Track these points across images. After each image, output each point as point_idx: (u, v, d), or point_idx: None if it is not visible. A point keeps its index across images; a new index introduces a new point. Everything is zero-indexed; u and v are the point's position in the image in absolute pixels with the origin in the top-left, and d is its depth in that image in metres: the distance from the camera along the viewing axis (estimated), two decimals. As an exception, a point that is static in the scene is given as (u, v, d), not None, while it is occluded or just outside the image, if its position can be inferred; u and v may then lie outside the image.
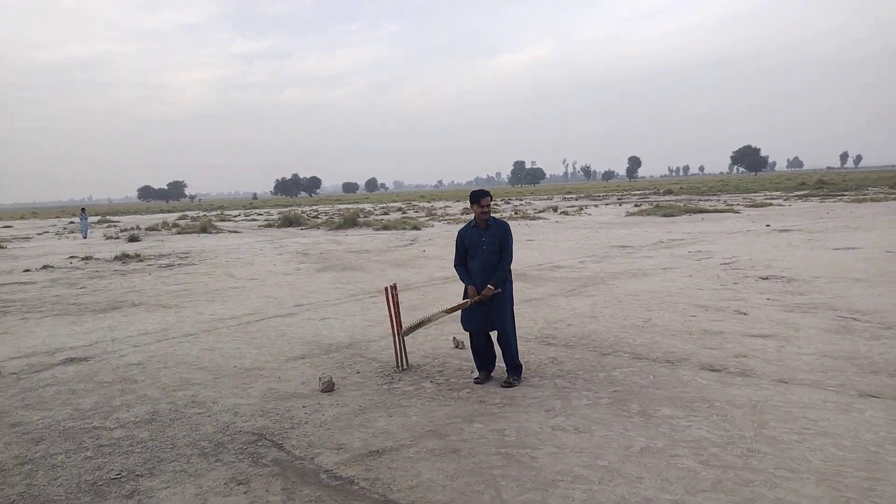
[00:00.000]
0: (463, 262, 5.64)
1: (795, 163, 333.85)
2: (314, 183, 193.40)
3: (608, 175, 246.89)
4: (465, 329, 5.67)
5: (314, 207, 65.80)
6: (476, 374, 5.70)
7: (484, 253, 5.48)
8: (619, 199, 52.41)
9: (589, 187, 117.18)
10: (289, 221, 33.80)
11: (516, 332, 5.73)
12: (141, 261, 17.64)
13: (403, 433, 4.49)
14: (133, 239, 26.77)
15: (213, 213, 55.96)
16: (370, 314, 8.81)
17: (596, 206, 42.11)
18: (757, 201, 35.93)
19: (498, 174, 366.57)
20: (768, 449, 3.88)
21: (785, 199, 37.39)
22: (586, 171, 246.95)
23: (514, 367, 5.56)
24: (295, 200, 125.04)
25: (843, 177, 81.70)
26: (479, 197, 5.51)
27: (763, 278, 10.19)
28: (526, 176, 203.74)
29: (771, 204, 33.07)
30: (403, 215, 37.68)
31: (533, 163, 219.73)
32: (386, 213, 41.78)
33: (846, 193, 40.32)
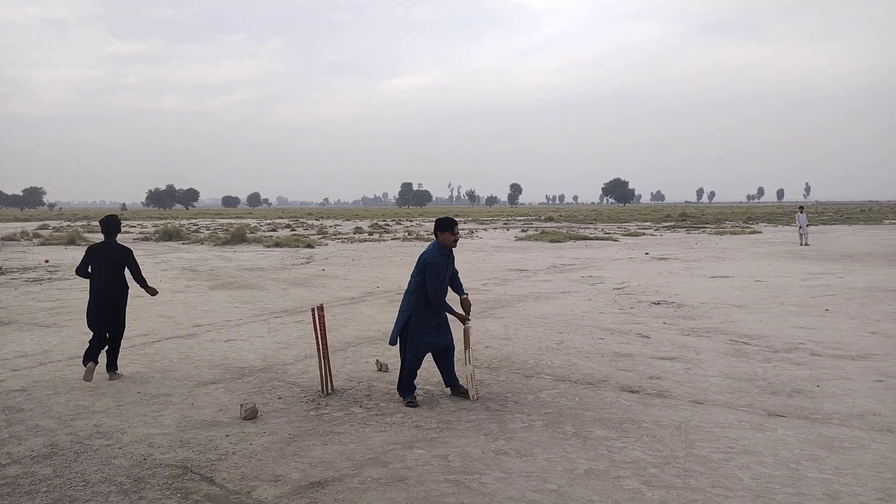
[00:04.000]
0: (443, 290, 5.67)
1: (658, 196, 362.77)
2: (191, 195, 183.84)
3: (491, 200, 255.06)
4: (423, 350, 5.60)
5: (193, 221, 62.32)
6: (412, 398, 5.60)
7: (450, 275, 5.75)
8: (506, 223, 54.19)
9: (475, 211, 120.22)
10: (168, 235, 31.75)
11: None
12: (3, 273, 15.79)
13: (343, 462, 4.30)
14: (-14, 249, 23.96)
15: (79, 223, 51.38)
16: (280, 336, 8.42)
17: (485, 230, 43.23)
18: (631, 230, 38.51)
19: (385, 195, 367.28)
20: (702, 468, 4.10)
21: (655, 230, 40.35)
22: (471, 195, 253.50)
23: (455, 384, 5.75)
24: (170, 213, 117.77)
25: (702, 210, 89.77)
26: (453, 224, 5.64)
27: (655, 303, 10.88)
28: (413, 198, 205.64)
29: (644, 233, 35.56)
30: (293, 233, 36.61)
31: (420, 185, 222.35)
32: (273, 230, 40.41)
33: (707, 226, 44.26)
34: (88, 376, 6.00)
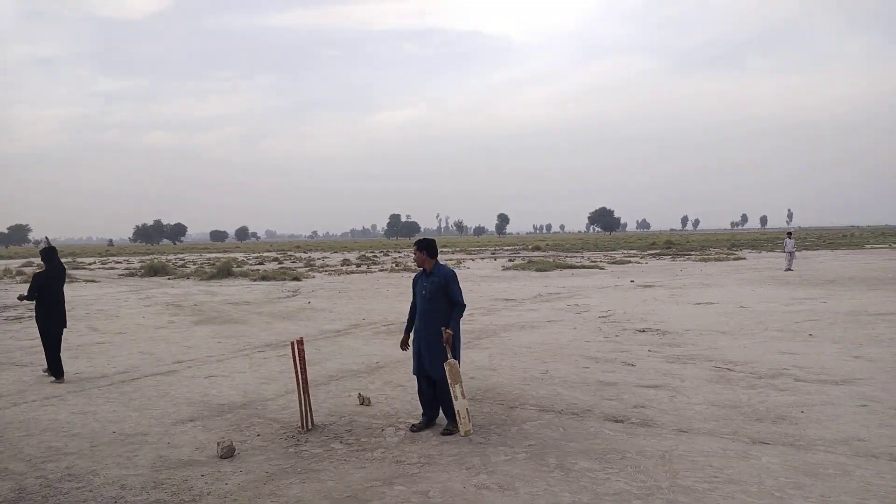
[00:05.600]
0: (414, 307, 5.89)
1: (644, 224, 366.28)
2: (179, 230, 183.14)
3: (479, 230, 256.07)
4: (413, 372, 5.80)
5: (180, 256, 61.91)
6: (416, 422, 5.73)
7: (423, 297, 5.71)
8: (493, 253, 54.28)
9: (463, 241, 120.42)
10: (154, 270, 31.45)
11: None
12: (-19, 312, 15.53)
13: (321, 501, 4.20)
14: (-35, 287, 23.60)
15: (65, 260, 50.89)
16: (262, 370, 8.30)
17: (473, 259, 43.26)
18: (617, 258, 38.66)
19: (374, 226, 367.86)
20: (686, 499, 4.04)
21: (641, 258, 40.57)
22: (459, 226, 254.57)
23: (453, 418, 5.58)
24: (157, 248, 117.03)
25: (687, 238, 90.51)
26: (414, 244, 5.94)
27: (640, 331, 10.86)
28: (401, 229, 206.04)
29: (630, 261, 35.70)
30: (280, 266, 36.42)
31: (408, 216, 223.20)
32: (261, 264, 40.19)
33: (692, 253, 44.56)
34: None
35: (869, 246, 50.65)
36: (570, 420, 5.84)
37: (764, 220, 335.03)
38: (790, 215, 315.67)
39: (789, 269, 24.95)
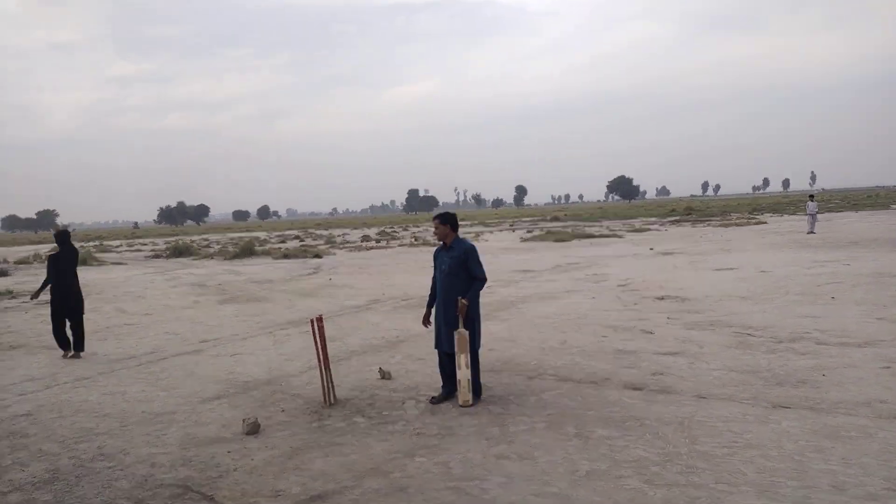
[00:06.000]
0: (434, 282, 5.92)
1: (663, 191, 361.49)
2: (202, 211, 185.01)
3: (497, 203, 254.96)
4: (434, 347, 5.87)
5: (204, 237, 62.65)
6: (435, 395, 5.82)
7: (443, 272, 5.72)
8: (512, 225, 54.12)
9: (481, 214, 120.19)
10: (179, 251, 31.93)
11: (478, 357, 5.80)
12: (14, 297, 15.92)
13: (344, 474, 4.30)
14: (1, 273, 24.17)
15: (92, 243, 51.75)
16: (285, 347, 8.44)
17: (491, 232, 43.20)
18: (636, 227, 38.34)
19: (392, 202, 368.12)
20: (704, 464, 4.07)
21: (661, 225, 40.18)
22: (477, 198, 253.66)
23: (473, 389, 5.64)
24: (182, 229, 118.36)
25: (707, 204, 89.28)
26: (434, 218, 5.91)
27: (659, 298, 10.82)
28: (420, 203, 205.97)
29: (649, 229, 35.40)
30: (302, 243, 36.74)
31: (426, 191, 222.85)
32: (283, 242, 40.55)
33: (713, 219, 44.01)
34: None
35: (894, 206, 49.54)
36: (588, 389, 5.88)
37: (786, 183, 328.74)
38: (813, 178, 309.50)
39: (812, 232, 24.56)
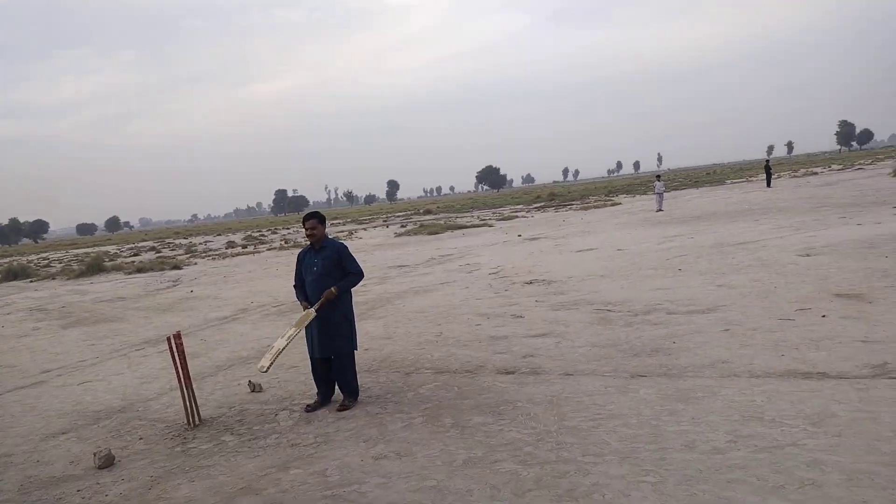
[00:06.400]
0: (301, 284, 5.68)
1: (528, 179, 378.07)
2: (39, 227, 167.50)
3: (370, 199, 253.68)
4: (309, 355, 5.63)
5: (43, 255, 56.68)
6: (310, 402, 5.62)
7: (314, 274, 5.50)
8: (385, 220, 54.04)
9: (354, 212, 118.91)
10: (13, 274, 28.58)
11: (354, 358, 5.68)
12: None
13: (212, 498, 4.02)
14: None
15: None
16: (142, 370, 7.80)
17: (365, 229, 42.85)
18: (505, 215, 39.72)
19: (259, 204, 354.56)
20: (573, 439, 4.24)
21: (528, 212, 41.92)
22: (349, 196, 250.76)
23: (350, 392, 5.55)
24: (15, 249, 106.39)
25: (568, 189, 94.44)
26: (304, 220, 5.62)
27: (528, 283, 11.23)
28: (289, 204, 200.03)
29: (517, 216, 36.80)
30: (158, 255, 34.30)
31: (295, 191, 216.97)
32: (136, 255, 37.64)
33: (574, 203, 46.61)
34: None
35: (729, 181, 55.19)
36: (464, 378, 5.95)
37: (637, 165, 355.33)
38: (660, 159, 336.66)
39: (660, 210, 26.69)
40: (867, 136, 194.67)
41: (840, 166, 58.55)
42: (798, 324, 6.46)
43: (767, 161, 42.66)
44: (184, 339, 5.75)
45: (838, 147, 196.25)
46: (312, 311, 5.36)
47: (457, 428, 4.71)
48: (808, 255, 10.45)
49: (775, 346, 5.78)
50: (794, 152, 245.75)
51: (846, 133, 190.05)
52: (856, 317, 6.46)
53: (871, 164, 55.39)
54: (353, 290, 5.68)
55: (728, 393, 4.77)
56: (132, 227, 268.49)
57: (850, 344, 5.61)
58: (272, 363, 5.33)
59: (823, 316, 6.63)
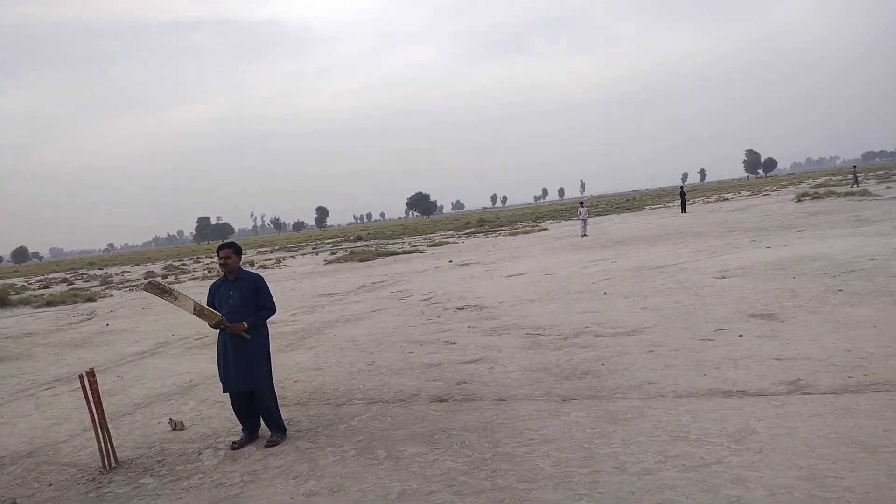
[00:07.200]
0: None
1: (458, 205, 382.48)
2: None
3: (298, 226, 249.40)
4: (223, 391, 5.40)
5: (-61, 288, 52.33)
6: (236, 439, 5.39)
7: (231, 307, 5.30)
8: (315, 248, 53.19)
9: (281, 239, 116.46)
10: None
11: (275, 391, 5.52)
12: None
13: (129, 546, 3.76)
14: None
15: None
16: (52, 410, 7.27)
17: (293, 256, 42.00)
18: (436, 241, 39.90)
19: (180, 232, 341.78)
20: (507, 466, 4.24)
21: (458, 237, 42.30)
22: (276, 223, 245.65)
23: (277, 427, 5.37)
24: None
25: (497, 215, 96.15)
26: (218, 249, 5.45)
27: (460, 309, 11.28)
28: (212, 232, 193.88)
29: (448, 242, 37.05)
30: (71, 287, 32.37)
31: (219, 218, 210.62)
32: (46, 287, 35.38)
33: (503, 229, 47.43)
34: None
35: (648, 207, 57.67)
36: (397, 408, 5.87)
37: (561, 192, 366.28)
38: (583, 185, 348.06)
39: (585, 235, 27.55)
40: (771, 164, 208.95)
41: (749, 192, 62.33)
42: (717, 344, 6.76)
43: (682, 188, 44.93)
44: (98, 376, 5.42)
45: (746, 174, 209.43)
46: (222, 319, 5.21)
47: (391, 459, 4.62)
48: (723, 278, 11.00)
49: (697, 366, 6.02)
50: (707, 179, 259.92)
51: (753, 161, 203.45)
52: (770, 336, 6.83)
53: (775, 190, 59.26)
54: (271, 321, 5.60)
55: (655, 413, 4.91)
56: (42, 257, 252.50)
57: (765, 362, 5.91)
58: (156, 286, 5.27)
59: (740, 336, 6.97)
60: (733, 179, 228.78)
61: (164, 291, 5.30)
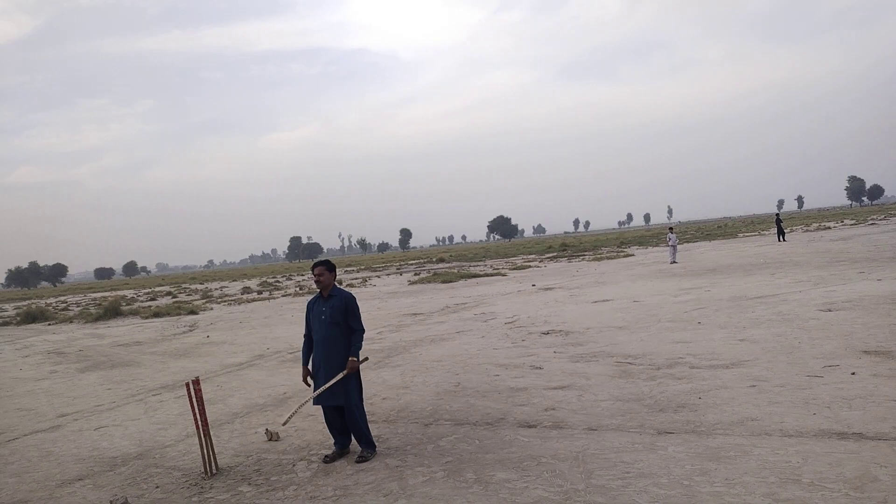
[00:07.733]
0: (309, 334, 5.65)
1: (539, 229, 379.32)
2: (59, 270, 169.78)
3: (383, 247, 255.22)
4: (313, 403, 5.53)
5: (61, 298, 57.17)
6: (328, 453, 5.56)
7: (322, 324, 5.47)
8: (398, 268, 54.15)
9: (367, 259, 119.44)
10: (32, 317, 28.79)
11: (364, 408, 5.62)
12: None
13: (230, 551, 3.91)
14: None
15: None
16: (158, 415, 7.74)
17: (378, 276, 42.92)
18: (518, 264, 39.68)
19: (274, 251, 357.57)
20: (602, 498, 4.11)
21: (540, 261, 41.87)
22: (362, 243, 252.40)
23: (367, 443, 5.46)
24: (35, 292, 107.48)
25: (580, 239, 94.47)
26: (313, 266, 5.63)
27: (545, 333, 11.13)
28: (303, 251, 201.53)
29: (529, 266, 36.75)
30: (175, 300, 34.47)
31: (309, 238, 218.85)
32: (153, 299, 37.88)
33: (586, 253, 46.56)
34: None
35: (741, 234, 54.99)
36: (484, 431, 5.84)
37: (647, 217, 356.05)
38: (670, 211, 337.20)
39: (674, 262, 26.56)
40: (878, 191, 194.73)
41: (853, 221, 58.28)
42: (827, 381, 6.31)
43: (778, 215, 42.56)
44: (201, 385, 5.71)
45: (849, 202, 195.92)
46: (355, 361, 5.42)
47: (480, 484, 4.59)
48: (829, 311, 10.29)
49: (805, 404, 5.64)
50: (805, 206, 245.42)
51: (856, 188, 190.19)
52: (887, 375, 6.31)
53: (884, 219, 55.09)
54: (364, 337, 5.76)
55: (761, 452, 4.63)
56: (149, 271, 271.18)
57: (884, 403, 5.46)
58: (291, 417, 5.28)
59: (853, 373, 6.48)
60: (834, 207, 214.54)
61: (298, 409, 5.43)
